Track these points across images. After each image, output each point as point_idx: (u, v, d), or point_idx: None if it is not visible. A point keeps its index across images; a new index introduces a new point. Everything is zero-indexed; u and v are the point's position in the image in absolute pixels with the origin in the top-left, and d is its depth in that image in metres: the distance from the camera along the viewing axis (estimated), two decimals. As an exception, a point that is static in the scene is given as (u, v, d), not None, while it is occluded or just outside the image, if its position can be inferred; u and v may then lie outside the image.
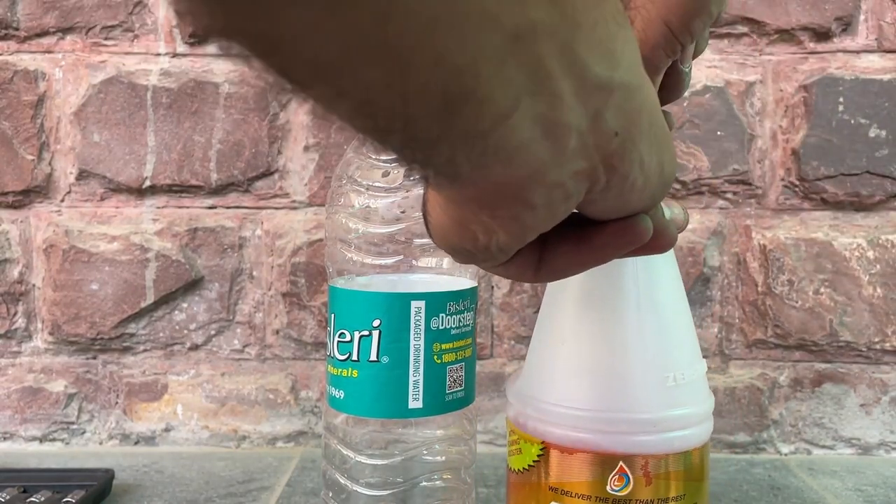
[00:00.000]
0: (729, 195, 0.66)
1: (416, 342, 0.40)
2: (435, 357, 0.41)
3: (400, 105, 0.17)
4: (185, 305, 0.68)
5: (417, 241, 0.42)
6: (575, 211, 0.24)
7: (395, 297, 0.40)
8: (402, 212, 0.42)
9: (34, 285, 0.68)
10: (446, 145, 0.19)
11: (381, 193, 0.42)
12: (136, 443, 0.69)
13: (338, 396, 0.42)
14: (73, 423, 0.69)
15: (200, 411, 0.69)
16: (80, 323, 0.68)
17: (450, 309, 0.41)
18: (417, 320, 0.40)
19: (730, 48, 0.65)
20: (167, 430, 0.69)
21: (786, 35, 0.65)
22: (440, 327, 0.41)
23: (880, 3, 0.64)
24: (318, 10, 0.15)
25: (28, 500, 0.54)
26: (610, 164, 0.22)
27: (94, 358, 0.69)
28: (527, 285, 0.67)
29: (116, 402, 0.69)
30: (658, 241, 0.26)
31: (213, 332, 0.68)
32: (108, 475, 0.58)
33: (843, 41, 0.65)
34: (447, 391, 0.41)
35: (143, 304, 0.67)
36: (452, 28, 0.16)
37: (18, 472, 0.60)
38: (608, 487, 0.38)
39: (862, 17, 0.65)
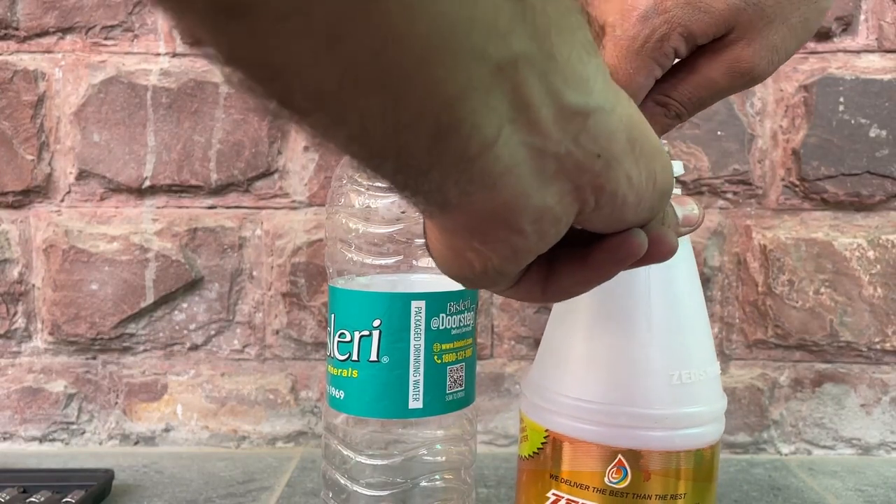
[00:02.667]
0: (729, 195, 0.66)
1: (417, 342, 0.40)
2: (435, 357, 0.41)
3: (393, 133, 0.18)
4: (184, 305, 0.68)
5: (418, 241, 0.42)
6: (578, 228, 0.25)
7: (395, 297, 0.40)
8: (403, 212, 0.42)
9: (34, 285, 0.68)
10: (436, 172, 0.20)
11: (382, 193, 0.42)
12: (135, 443, 0.69)
13: (338, 397, 0.41)
14: (72, 423, 0.69)
15: (200, 411, 0.69)
16: (79, 323, 0.68)
17: (450, 309, 0.41)
18: (418, 320, 0.40)
19: (730, 48, 0.65)
20: (167, 430, 0.69)
21: (786, 35, 0.65)
22: (440, 327, 0.40)
23: (880, 3, 0.64)
24: (319, 43, 0.16)
25: (28, 500, 0.53)
26: (597, 184, 0.22)
27: (94, 358, 0.69)
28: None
29: (116, 403, 0.69)
30: (657, 251, 0.27)
31: (212, 333, 0.68)
32: (108, 475, 0.58)
33: (844, 41, 0.65)
34: (447, 391, 0.41)
35: (142, 305, 0.67)
36: (444, 60, 0.17)
37: (18, 472, 0.60)
38: (606, 479, 0.38)
39: (862, 17, 0.65)
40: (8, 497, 0.55)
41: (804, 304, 0.66)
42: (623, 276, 0.39)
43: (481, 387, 0.68)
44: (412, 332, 0.40)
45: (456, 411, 0.43)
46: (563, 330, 0.42)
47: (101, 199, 0.67)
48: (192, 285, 0.68)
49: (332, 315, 0.42)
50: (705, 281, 0.66)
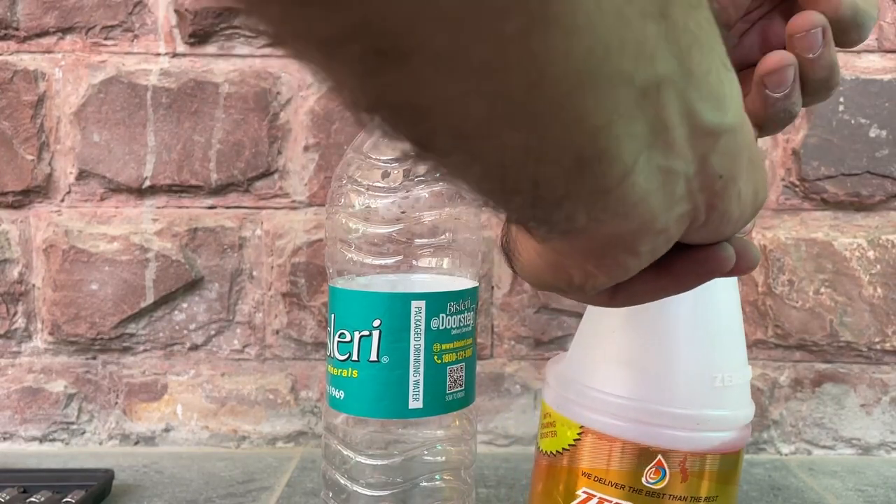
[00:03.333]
0: (729, 195, 0.66)
1: (417, 342, 0.40)
2: (435, 357, 0.40)
3: (532, 167, 0.17)
4: (184, 305, 0.68)
5: (418, 241, 0.42)
6: None
7: (395, 297, 0.40)
8: (403, 212, 0.42)
9: (34, 285, 0.68)
10: (569, 203, 0.19)
11: (382, 193, 0.42)
12: (135, 443, 0.69)
13: (338, 397, 0.41)
14: (72, 423, 0.69)
15: (200, 411, 0.69)
16: (79, 323, 0.68)
17: (450, 309, 0.41)
18: (418, 320, 0.40)
19: (730, 48, 0.65)
20: (167, 430, 0.69)
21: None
22: (441, 327, 0.40)
23: (881, 3, 0.64)
24: (473, 82, 0.15)
25: (28, 500, 0.53)
26: (711, 203, 0.22)
27: (94, 358, 0.69)
28: (527, 285, 0.67)
29: (116, 403, 0.69)
30: (740, 265, 0.26)
31: (212, 333, 0.68)
32: (108, 475, 0.58)
33: (844, 41, 0.65)
34: (447, 391, 0.41)
35: (142, 305, 0.67)
36: (595, 88, 0.16)
37: (18, 472, 0.60)
38: (644, 479, 0.38)
39: (862, 17, 0.65)
40: (8, 497, 0.55)
41: (804, 304, 0.66)
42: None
43: (481, 387, 0.68)
44: (412, 333, 0.40)
45: (456, 411, 0.43)
46: (601, 325, 0.41)
47: (102, 199, 0.67)
48: (192, 285, 0.68)
49: (332, 315, 0.42)
50: (705, 281, 0.66)
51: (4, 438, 0.69)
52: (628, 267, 0.23)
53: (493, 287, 0.67)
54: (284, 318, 0.68)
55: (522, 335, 0.67)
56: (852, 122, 0.65)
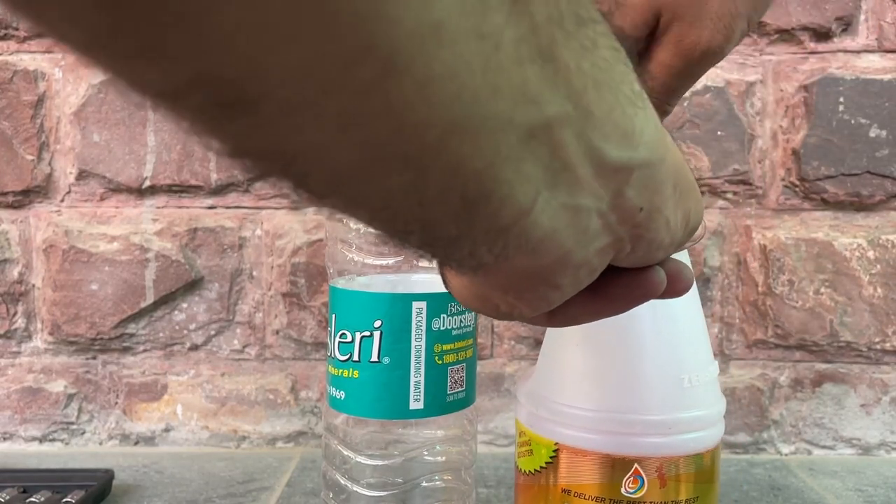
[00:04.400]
0: (729, 195, 0.66)
1: (418, 343, 0.40)
2: (436, 358, 0.40)
3: (418, 210, 0.17)
4: (184, 305, 0.68)
5: None
6: None
7: (396, 297, 0.40)
8: None
9: (34, 285, 0.68)
10: (467, 242, 0.19)
11: None
12: (135, 443, 0.69)
13: (338, 397, 0.42)
14: (72, 423, 0.69)
15: (200, 411, 0.69)
16: (79, 323, 0.68)
17: (451, 309, 0.41)
18: (419, 321, 0.40)
19: (730, 48, 0.65)
20: (167, 430, 0.69)
21: (786, 35, 0.65)
22: (441, 328, 0.40)
23: (880, 3, 0.64)
24: (332, 131, 0.15)
25: (28, 500, 0.53)
26: (636, 234, 0.22)
27: (94, 358, 0.69)
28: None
29: (116, 403, 0.69)
30: (674, 287, 0.26)
31: (212, 333, 0.68)
32: (108, 475, 0.58)
33: (844, 41, 0.65)
34: (448, 392, 0.41)
35: (142, 305, 0.67)
36: (468, 135, 0.16)
37: (18, 472, 0.60)
38: (623, 489, 0.38)
39: (862, 17, 0.65)
40: (8, 497, 0.55)
41: (804, 304, 0.66)
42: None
43: (481, 387, 0.68)
44: (413, 333, 0.40)
45: (457, 412, 0.43)
46: (564, 339, 0.41)
47: (101, 199, 0.67)
48: (192, 285, 0.68)
49: (333, 315, 0.42)
50: (705, 281, 0.66)
51: (4, 438, 0.69)
52: (550, 299, 0.23)
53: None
54: (284, 318, 0.68)
55: (522, 335, 0.67)
56: (852, 122, 0.65)
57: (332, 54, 0.13)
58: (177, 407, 0.69)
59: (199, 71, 0.13)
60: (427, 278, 0.42)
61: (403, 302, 0.40)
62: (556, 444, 0.39)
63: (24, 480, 0.57)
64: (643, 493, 0.38)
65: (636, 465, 0.38)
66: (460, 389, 0.42)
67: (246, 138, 0.15)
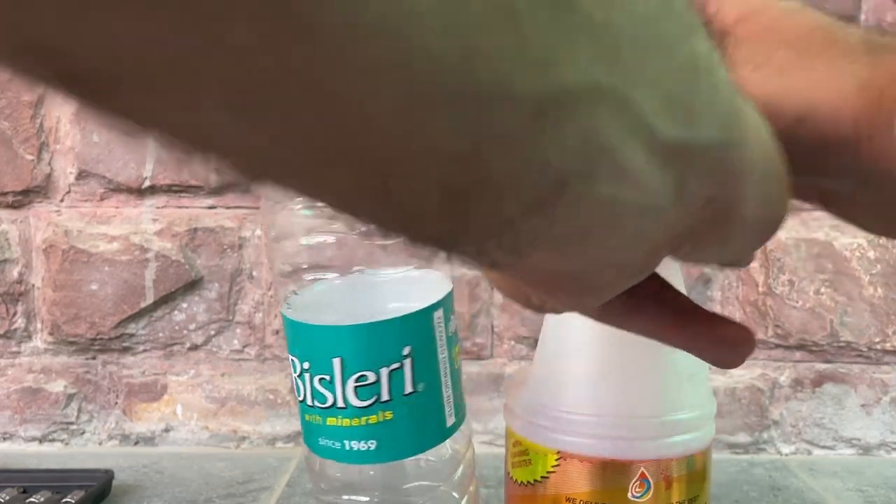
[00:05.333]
0: (729, 195, 0.66)
1: (443, 355, 0.36)
2: (455, 363, 0.38)
3: (384, 207, 0.14)
4: (184, 305, 0.68)
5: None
6: None
7: (419, 315, 0.35)
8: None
9: (34, 285, 0.68)
10: (465, 239, 0.15)
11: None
12: (135, 443, 0.69)
13: (367, 449, 0.35)
14: (72, 423, 0.69)
15: (200, 411, 0.69)
16: (79, 323, 0.68)
17: (453, 308, 0.38)
18: (440, 331, 0.36)
19: (730, 48, 0.65)
20: (167, 430, 0.69)
21: (786, 35, 0.65)
22: (453, 331, 0.37)
23: (881, 3, 0.64)
24: (220, 113, 0.11)
25: (27, 500, 0.53)
26: (699, 231, 0.18)
27: (94, 358, 0.69)
28: (527, 285, 0.67)
29: (116, 403, 0.69)
30: (737, 353, 0.23)
31: (212, 333, 0.68)
32: (108, 476, 0.58)
33: (844, 41, 0.65)
34: (463, 392, 0.39)
35: (142, 305, 0.67)
36: (426, 108, 0.12)
37: (18, 472, 0.60)
38: (630, 494, 0.38)
39: (862, 17, 0.64)
40: (8, 497, 0.55)
41: (804, 304, 0.66)
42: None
43: (481, 387, 0.68)
44: (438, 347, 0.36)
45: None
46: (560, 346, 0.41)
47: (101, 199, 0.67)
48: (192, 285, 0.68)
49: (338, 359, 0.35)
50: (705, 281, 0.66)
51: (4, 438, 0.69)
52: (584, 301, 0.20)
53: (493, 287, 0.67)
54: (284, 318, 0.68)
55: (522, 335, 0.67)
56: (852, 122, 0.65)
57: (205, 7, 0.10)
58: (177, 407, 0.69)
59: (26, 37, 0.10)
60: (429, 276, 0.38)
61: (426, 317, 0.35)
62: (558, 452, 0.39)
63: (24, 480, 0.57)
64: (650, 496, 0.38)
65: (643, 468, 0.38)
66: (463, 380, 0.40)
67: (125, 117, 0.12)
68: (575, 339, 0.40)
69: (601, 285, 0.19)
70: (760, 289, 0.66)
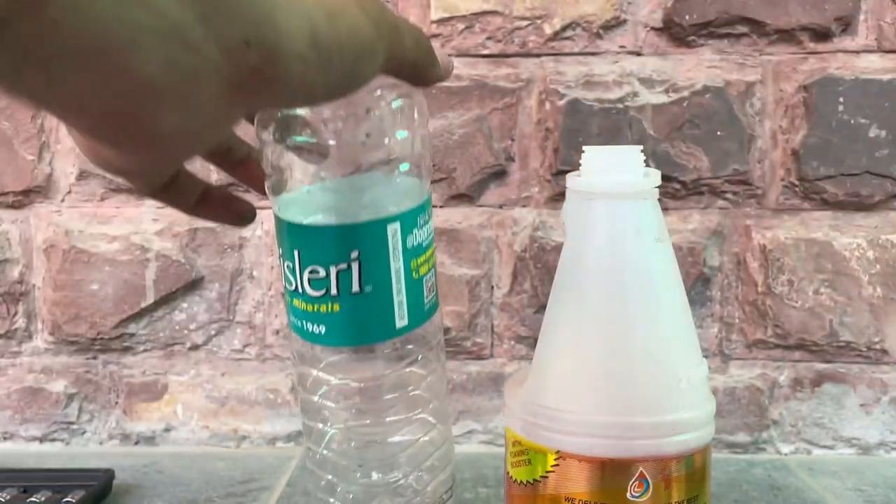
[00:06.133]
0: (729, 195, 0.66)
1: (397, 265, 0.38)
2: (413, 273, 0.39)
3: None
4: (185, 305, 0.68)
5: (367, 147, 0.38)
6: None
7: (370, 226, 0.38)
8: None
9: (34, 285, 0.68)
10: None
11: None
12: (136, 443, 0.69)
13: (317, 332, 0.39)
14: (73, 423, 0.69)
15: (200, 411, 0.69)
16: (80, 323, 0.68)
17: (420, 221, 0.39)
18: (395, 243, 0.38)
19: (730, 48, 0.65)
20: (167, 430, 0.69)
21: (786, 35, 0.65)
22: (415, 244, 0.39)
23: (880, 3, 0.64)
24: None
25: (28, 500, 0.54)
26: (256, 78, 0.20)
27: (95, 358, 0.69)
28: (527, 285, 0.67)
29: (116, 403, 0.69)
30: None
31: (213, 332, 0.68)
32: (109, 475, 0.58)
33: (843, 41, 0.65)
34: (425, 301, 0.40)
35: (143, 304, 0.67)
36: None
37: (18, 472, 0.60)
38: (629, 494, 0.38)
39: (862, 18, 0.65)
40: (8, 497, 0.55)
41: (804, 303, 0.66)
42: (616, 283, 0.39)
43: (481, 387, 0.68)
44: (391, 256, 0.38)
45: (433, 314, 0.41)
46: (558, 347, 0.41)
47: (102, 199, 0.68)
48: (193, 285, 0.68)
49: (296, 250, 0.39)
50: (705, 281, 0.67)
51: (5, 438, 0.69)
52: (154, 147, 0.21)
53: (493, 287, 0.67)
54: (284, 317, 0.68)
55: (522, 335, 0.67)
56: (852, 122, 0.65)
57: None
58: (177, 407, 0.69)
59: None
60: (391, 191, 0.39)
61: (378, 228, 0.37)
62: (557, 451, 0.39)
63: (25, 480, 0.57)
64: (648, 496, 0.38)
65: (641, 468, 0.38)
66: (432, 295, 0.41)
67: None
68: (574, 340, 0.40)
69: (160, 136, 0.20)
70: (760, 289, 0.66)
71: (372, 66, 0.26)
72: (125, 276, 0.67)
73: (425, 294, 0.40)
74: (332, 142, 0.37)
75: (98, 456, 0.67)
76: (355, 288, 0.37)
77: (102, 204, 0.68)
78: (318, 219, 0.38)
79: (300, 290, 0.39)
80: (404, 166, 0.39)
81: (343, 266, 0.37)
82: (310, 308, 0.39)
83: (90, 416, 0.69)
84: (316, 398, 0.42)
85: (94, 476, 0.57)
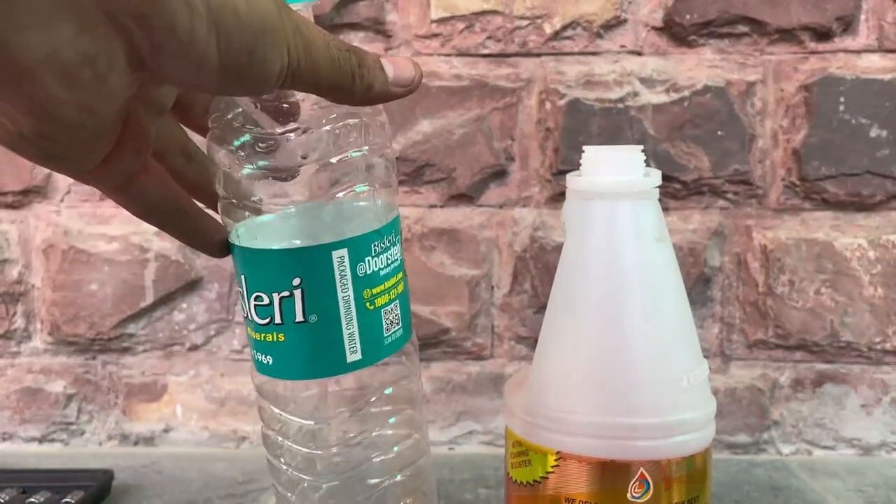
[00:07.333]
0: (730, 195, 0.66)
1: (345, 293, 0.36)
2: (367, 304, 0.36)
3: None
4: (184, 306, 0.68)
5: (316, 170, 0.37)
6: None
7: (312, 251, 0.36)
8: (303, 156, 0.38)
9: (33, 285, 0.68)
10: None
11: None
12: (135, 443, 0.69)
13: (265, 362, 0.37)
14: (72, 423, 0.69)
15: (200, 412, 0.69)
16: (79, 323, 0.68)
17: (375, 249, 0.37)
18: (342, 270, 0.36)
19: (730, 48, 0.65)
20: (166, 430, 0.69)
21: (787, 35, 0.65)
22: (368, 272, 0.36)
23: (881, 2, 0.64)
24: None
25: (27, 500, 0.53)
26: (139, 13, 0.20)
27: (94, 358, 0.69)
28: (527, 285, 0.66)
29: (116, 403, 0.69)
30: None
31: (212, 333, 0.68)
32: (108, 476, 0.58)
33: (844, 41, 0.65)
34: (385, 334, 0.38)
35: (142, 305, 0.67)
36: None
37: (18, 472, 0.60)
38: (629, 495, 0.38)
39: (863, 17, 0.64)
40: (8, 497, 0.55)
41: (805, 304, 0.66)
42: (615, 283, 0.39)
43: (481, 387, 0.68)
44: (338, 284, 0.36)
45: (398, 350, 0.39)
46: (561, 348, 0.41)
47: (101, 199, 0.67)
48: (192, 285, 0.68)
49: (242, 276, 0.38)
50: (706, 281, 0.66)
51: (4, 439, 0.69)
52: (36, 98, 0.21)
53: (493, 287, 0.67)
54: (284, 318, 0.68)
55: (522, 335, 0.67)
56: (853, 122, 0.65)
57: None
58: (176, 407, 0.69)
59: None
60: (339, 215, 0.38)
61: (321, 254, 0.36)
62: (557, 452, 0.39)
63: (24, 481, 0.57)
64: (649, 496, 0.38)
65: (641, 469, 0.38)
66: (397, 328, 0.38)
67: None
68: (574, 340, 0.40)
69: (45, 82, 0.20)
70: (761, 289, 0.66)
71: (275, 51, 0.24)
72: (124, 277, 0.67)
73: (384, 327, 0.37)
74: (270, 163, 0.36)
75: (97, 456, 0.67)
76: (299, 317, 0.36)
77: (101, 204, 0.67)
78: (260, 243, 0.37)
79: (249, 317, 0.38)
80: (360, 188, 0.37)
81: (286, 293, 0.36)
82: (258, 337, 0.37)
83: (89, 417, 0.69)
84: (271, 433, 0.41)
85: (93, 476, 0.57)
